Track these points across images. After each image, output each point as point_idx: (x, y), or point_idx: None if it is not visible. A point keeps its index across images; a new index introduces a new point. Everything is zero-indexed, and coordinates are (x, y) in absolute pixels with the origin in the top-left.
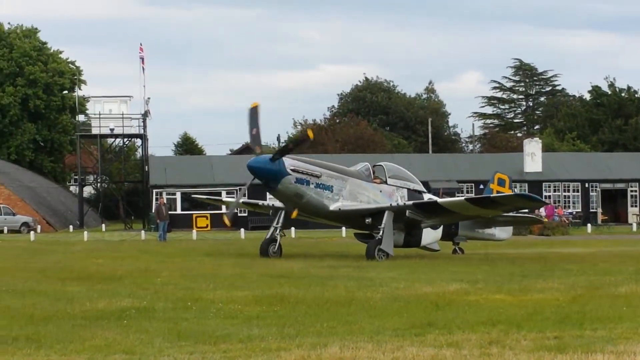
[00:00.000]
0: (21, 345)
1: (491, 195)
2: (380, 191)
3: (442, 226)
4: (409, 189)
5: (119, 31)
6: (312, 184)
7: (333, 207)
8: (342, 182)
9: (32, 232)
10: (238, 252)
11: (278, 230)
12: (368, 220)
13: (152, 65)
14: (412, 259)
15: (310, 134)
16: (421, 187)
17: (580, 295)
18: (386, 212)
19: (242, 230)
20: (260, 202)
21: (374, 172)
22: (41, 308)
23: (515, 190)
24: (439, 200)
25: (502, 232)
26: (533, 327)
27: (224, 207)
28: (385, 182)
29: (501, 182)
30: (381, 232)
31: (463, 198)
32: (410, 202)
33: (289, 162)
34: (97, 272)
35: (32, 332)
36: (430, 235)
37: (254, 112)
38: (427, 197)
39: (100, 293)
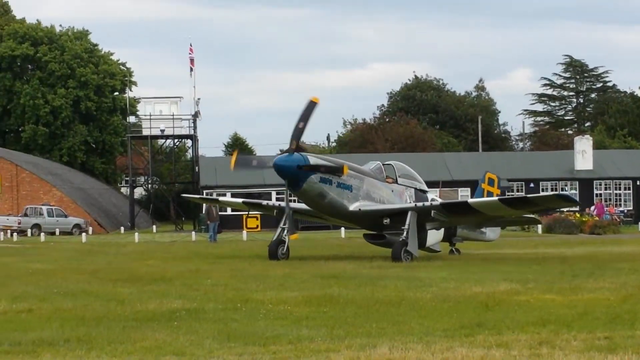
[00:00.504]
0: (72, 346)
1: (528, 196)
2: (392, 191)
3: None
4: (415, 189)
5: (170, 32)
6: (334, 183)
7: (352, 207)
8: (359, 182)
9: (83, 234)
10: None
11: (285, 232)
12: (386, 220)
13: (203, 66)
14: (462, 259)
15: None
16: (425, 187)
17: (631, 294)
18: (409, 213)
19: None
20: (265, 202)
21: (384, 171)
22: (92, 309)
23: (566, 188)
24: (470, 200)
25: (492, 233)
26: (583, 327)
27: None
28: (396, 182)
29: (491, 182)
30: (405, 232)
31: (497, 198)
32: (438, 203)
33: (313, 159)
34: (147, 274)
35: (83, 333)
36: (434, 237)
37: (310, 107)
38: (430, 196)
39: (151, 294)
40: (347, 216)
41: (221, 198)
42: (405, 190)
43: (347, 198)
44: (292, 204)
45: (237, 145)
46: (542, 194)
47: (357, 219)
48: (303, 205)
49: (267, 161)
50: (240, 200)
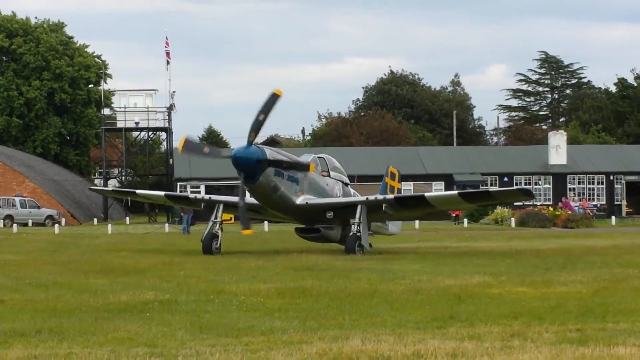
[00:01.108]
0: (44, 337)
1: (490, 190)
2: (327, 184)
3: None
4: (342, 182)
5: (145, 25)
6: (285, 176)
7: (299, 200)
8: (302, 175)
9: (56, 225)
10: (261, 245)
11: (218, 225)
12: (330, 214)
13: (179, 59)
14: (435, 252)
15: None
16: (347, 180)
17: (603, 287)
18: (359, 206)
19: (266, 223)
20: (192, 196)
21: (319, 165)
22: (64, 301)
23: (540, 182)
24: (427, 194)
25: (394, 227)
26: (555, 319)
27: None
28: (329, 175)
29: (392, 176)
30: (356, 226)
31: (456, 193)
32: (392, 196)
33: (269, 152)
34: (120, 265)
35: (55, 324)
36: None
37: (272, 100)
38: (352, 190)
39: (124, 286)
40: (293, 210)
41: (140, 191)
42: (336, 184)
43: (295, 192)
44: (226, 198)
45: (211, 139)
46: (503, 188)
47: (302, 212)
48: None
49: (221, 151)
50: (162, 193)
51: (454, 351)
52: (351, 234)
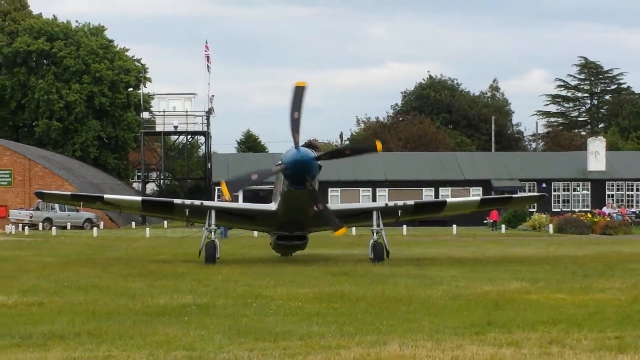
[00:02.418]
0: (83, 340)
1: (512, 196)
2: None
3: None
4: None
5: (186, 29)
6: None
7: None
8: None
9: (94, 229)
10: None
11: (214, 232)
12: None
13: (217, 63)
14: (473, 258)
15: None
16: None
17: None
18: (374, 212)
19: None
20: (178, 201)
21: None
22: (103, 304)
23: (578, 189)
24: (449, 200)
25: None
26: (594, 326)
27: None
28: None
29: None
30: (376, 233)
31: (478, 199)
32: (412, 202)
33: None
34: (158, 269)
35: (93, 327)
36: None
37: (298, 93)
38: None
39: (162, 289)
40: (311, 216)
41: (108, 196)
42: None
43: None
44: (212, 203)
45: (249, 142)
46: (522, 194)
47: (316, 219)
48: (230, 205)
49: (269, 170)
50: (139, 198)
51: (492, 357)
52: (373, 241)
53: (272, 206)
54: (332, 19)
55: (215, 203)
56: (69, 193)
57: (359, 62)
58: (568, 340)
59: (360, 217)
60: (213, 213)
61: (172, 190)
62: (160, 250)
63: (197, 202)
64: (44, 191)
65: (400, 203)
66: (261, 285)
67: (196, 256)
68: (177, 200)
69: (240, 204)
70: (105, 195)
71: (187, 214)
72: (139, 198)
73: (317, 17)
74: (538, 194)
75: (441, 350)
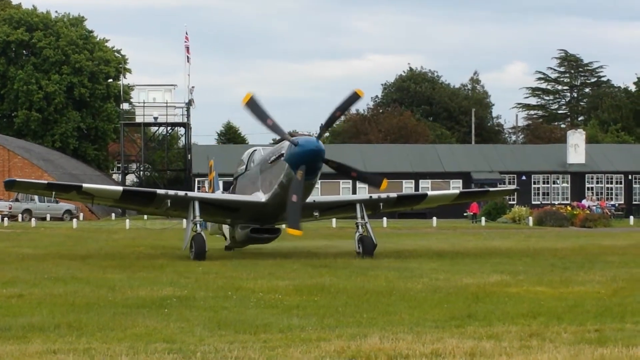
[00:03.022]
0: (63, 332)
1: (490, 189)
2: None
3: None
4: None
5: (166, 20)
6: None
7: (309, 199)
8: None
9: (74, 220)
10: (278, 242)
11: (199, 225)
12: (316, 213)
13: (198, 55)
14: (453, 251)
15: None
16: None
17: (621, 287)
18: (358, 205)
19: None
20: (161, 192)
21: None
22: (83, 295)
23: (558, 181)
24: (430, 193)
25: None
26: (574, 319)
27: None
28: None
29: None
30: (361, 226)
31: (457, 191)
32: (394, 194)
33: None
34: (138, 261)
35: (73, 319)
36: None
37: (351, 99)
38: None
39: (142, 281)
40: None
41: (87, 185)
42: None
43: None
44: (195, 194)
45: (229, 134)
46: (500, 187)
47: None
48: (215, 196)
49: (285, 132)
50: (120, 188)
51: (472, 350)
52: (360, 234)
53: (260, 197)
54: (314, 12)
55: (199, 194)
56: (45, 182)
57: (341, 54)
58: (548, 333)
59: (342, 209)
60: (197, 204)
61: (152, 181)
62: (140, 242)
63: (180, 193)
64: (15, 179)
65: (383, 195)
66: (241, 278)
67: (178, 249)
68: (159, 191)
69: (225, 195)
70: (84, 185)
71: (169, 205)
72: (120, 188)
73: (298, 9)
74: (513, 187)
75: (422, 343)
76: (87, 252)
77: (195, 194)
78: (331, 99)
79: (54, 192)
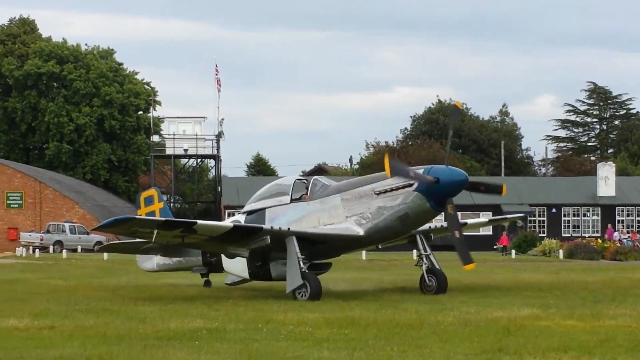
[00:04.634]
0: None
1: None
2: None
3: None
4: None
5: (196, 53)
6: None
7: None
8: None
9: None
10: None
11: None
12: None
13: (226, 87)
14: (483, 284)
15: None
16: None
17: None
18: (418, 237)
19: None
20: (267, 227)
21: None
22: (114, 327)
23: (588, 214)
24: (469, 221)
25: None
26: (605, 353)
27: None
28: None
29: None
30: (425, 259)
31: (487, 219)
32: (441, 224)
33: None
34: (169, 293)
35: (105, 351)
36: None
37: (455, 114)
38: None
39: (172, 313)
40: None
41: (201, 222)
42: None
43: None
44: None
45: (259, 166)
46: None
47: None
48: (310, 230)
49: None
50: (229, 223)
51: None
52: (428, 268)
53: (355, 229)
54: (342, 43)
55: (296, 229)
56: (162, 219)
57: (368, 86)
58: None
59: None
60: (295, 240)
61: (182, 213)
62: (170, 273)
63: (276, 227)
64: (134, 217)
65: (432, 226)
66: (271, 310)
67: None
68: (265, 226)
69: (319, 229)
70: (199, 222)
71: (268, 241)
72: (230, 223)
73: (325, 40)
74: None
75: None
76: (118, 284)
77: (295, 228)
78: (357, 130)
79: (156, 232)
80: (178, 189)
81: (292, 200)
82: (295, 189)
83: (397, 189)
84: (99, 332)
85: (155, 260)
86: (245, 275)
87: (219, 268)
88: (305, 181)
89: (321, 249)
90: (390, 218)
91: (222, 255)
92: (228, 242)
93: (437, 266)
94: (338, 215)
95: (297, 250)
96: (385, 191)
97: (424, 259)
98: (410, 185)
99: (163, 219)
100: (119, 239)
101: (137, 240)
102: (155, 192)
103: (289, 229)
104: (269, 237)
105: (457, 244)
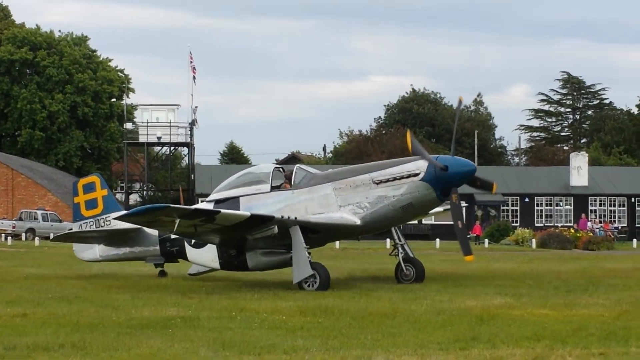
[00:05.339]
0: (67, 352)
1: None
2: None
3: None
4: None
5: (170, 40)
6: None
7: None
8: None
9: None
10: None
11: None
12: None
13: (201, 75)
14: (456, 273)
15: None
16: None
17: (625, 311)
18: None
19: None
20: (278, 215)
21: None
22: (87, 315)
23: (561, 204)
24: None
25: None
26: (578, 342)
27: None
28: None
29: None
30: (400, 248)
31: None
32: None
33: None
34: (142, 280)
35: (77, 339)
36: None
37: (459, 106)
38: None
39: (146, 301)
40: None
41: (224, 211)
42: None
43: None
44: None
45: (232, 154)
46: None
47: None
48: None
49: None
50: (246, 212)
51: None
52: (404, 256)
53: (351, 219)
54: (317, 32)
55: (302, 217)
56: (192, 207)
57: (343, 75)
58: (552, 357)
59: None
60: (299, 230)
61: (155, 201)
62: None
63: (285, 217)
64: (167, 205)
65: None
66: (245, 298)
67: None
68: (277, 215)
69: (321, 217)
70: (222, 210)
71: (276, 231)
72: (247, 213)
73: (301, 29)
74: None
75: None
76: (91, 272)
77: (298, 217)
78: (331, 119)
79: (178, 220)
80: (151, 177)
81: (272, 189)
82: (275, 177)
83: (401, 178)
84: (72, 319)
85: (97, 250)
86: (215, 265)
87: (178, 258)
88: (281, 170)
89: (312, 238)
90: (391, 207)
91: (186, 245)
92: (240, 230)
93: (412, 255)
94: (330, 205)
95: (302, 240)
96: (387, 180)
97: (399, 248)
98: (416, 174)
99: (192, 207)
100: None
101: (88, 229)
102: (98, 179)
103: (295, 218)
104: (276, 226)
105: (459, 234)
